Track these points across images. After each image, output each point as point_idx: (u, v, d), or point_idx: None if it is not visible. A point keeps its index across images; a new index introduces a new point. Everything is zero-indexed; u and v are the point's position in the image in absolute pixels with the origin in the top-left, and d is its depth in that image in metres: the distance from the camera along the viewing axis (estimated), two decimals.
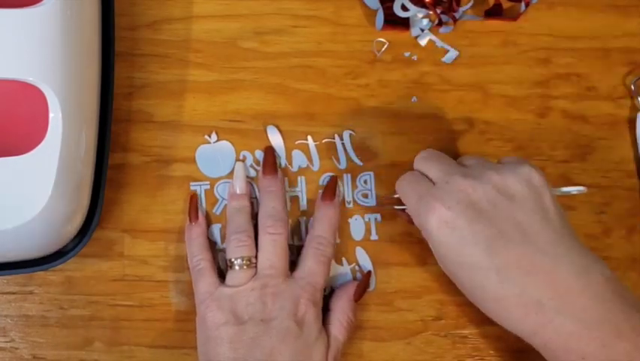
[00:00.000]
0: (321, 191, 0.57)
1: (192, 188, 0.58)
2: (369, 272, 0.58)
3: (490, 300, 0.49)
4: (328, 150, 0.59)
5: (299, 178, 0.59)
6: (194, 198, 0.57)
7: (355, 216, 0.59)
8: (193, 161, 0.58)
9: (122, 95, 0.58)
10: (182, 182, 0.58)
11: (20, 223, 0.48)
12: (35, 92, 0.47)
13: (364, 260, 0.58)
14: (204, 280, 0.54)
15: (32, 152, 0.47)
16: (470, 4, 0.60)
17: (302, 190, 0.59)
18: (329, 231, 0.56)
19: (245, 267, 0.53)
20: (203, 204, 0.58)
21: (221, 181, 0.58)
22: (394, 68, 0.60)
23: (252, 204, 0.57)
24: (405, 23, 0.60)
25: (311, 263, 0.54)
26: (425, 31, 0.60)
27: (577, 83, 0.61)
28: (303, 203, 0.58)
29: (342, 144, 0.59)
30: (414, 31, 0.60)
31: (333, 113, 0.60)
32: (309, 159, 0.59)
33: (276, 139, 0.58)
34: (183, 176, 0.58)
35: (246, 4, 0.60)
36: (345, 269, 0.58)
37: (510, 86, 0.61)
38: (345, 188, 0.59)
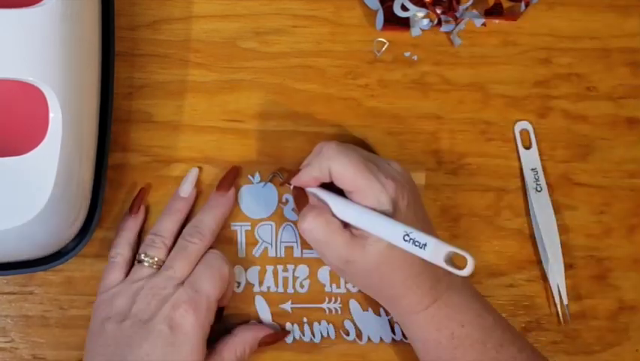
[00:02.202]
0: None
1: (233, 228, 0.58)
2: (287, 331, 0.57)
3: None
4: None
5: None
6: (142, 191, 0.57)
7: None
8: (193, 161, 0.58)
9: (122, 95, 0.58)
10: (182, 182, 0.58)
11: (20, 223, 0.48)
12: (35, 92, 0.47)
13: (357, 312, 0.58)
14: (112, 274, 0.54)
15: (32, 152, 0.47)
16: (470, 3, 0.60)
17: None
18: (205, 223, 0.55)
19: (152, 266, 0.53)
20: (243, 245, 0.58)
21: (262, 223, 0.58)
22: (394, 68, 0.60)
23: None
24: (405, 23, 0.60)
25: (197, 268, 0.53)
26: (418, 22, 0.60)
27: (577, 83, 0.61)
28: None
29: None
30: (414, 31, 0.60)
31: (333, 113, 0.60)
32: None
33: (264, 312, 0.58)
34: (183, 176, 0.58)
35: (246, 4, 0.60)
36: (383, 320, 0.58)
37: (510, 86, 0.61)
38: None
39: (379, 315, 0.58)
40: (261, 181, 0.58)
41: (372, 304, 0.58)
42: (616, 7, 0.62)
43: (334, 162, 0.51)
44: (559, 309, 0.59)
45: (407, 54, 0.60)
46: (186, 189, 0.57)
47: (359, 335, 0.58)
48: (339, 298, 0.58)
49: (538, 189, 0.59)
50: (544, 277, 0.59)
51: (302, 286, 0.58)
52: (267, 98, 0.59)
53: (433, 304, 0.52)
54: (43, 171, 0.48)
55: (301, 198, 0.53)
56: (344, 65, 0.60)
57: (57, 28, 0.48)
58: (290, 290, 0.58)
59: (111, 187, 0.57)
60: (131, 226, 0.56)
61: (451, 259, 0.48)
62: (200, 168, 0.58)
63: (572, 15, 0.62)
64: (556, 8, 0.62)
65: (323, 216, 0.51)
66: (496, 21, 0.61)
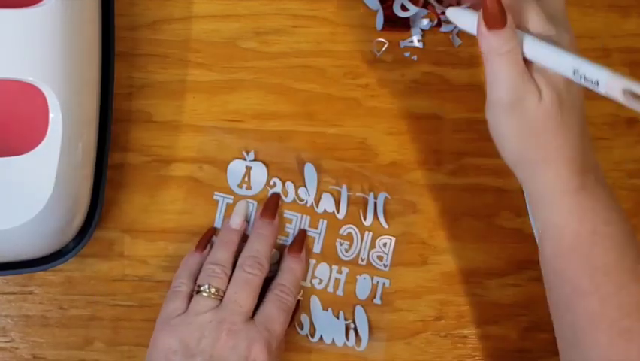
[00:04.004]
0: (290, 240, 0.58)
1: (215, 197, 0.58)
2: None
3: None
4: (357, 203, 0.59)
5: (321, 221, 0.59)
6: (209, 232, 0.57)
7: (364, 275, 0.58)
8: (193, 161, 0.58)
9: (122, 95, 0.58)
10: (182, 182, 0.58)
11: (20, 223, 0.48)
12: (35, 92, 0.47)
13: (362, 321, 0.58)
14: (174, 303, 0.53)
15: (32, 152, 0.47)
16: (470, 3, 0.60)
17: (321, 233, 0.58)
18: (292, 282, 0.55)
19: (212, 296, 0.52)
20: (222, 215, 0.58)
21: (246, 201, 0.58)
22: (394, 68, 0.60)
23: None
24: (405, 23, 0.60)
25: (271, 308, 0.53)
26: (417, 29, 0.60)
27: None
28: (318, 247, 0.58)
29: (375, 203, 0.59)
30: (414, 31, 0.60)
31: (333, 113, 0.60)
32: (337, 206, 0.58)
33: (310, 175, 0.58)
34: (183, 176, 0.58)
35: (246, 4, 0.60)
36: (340, 323, 0.58)
37: None
38: (363, 245, 0.59)
39: (337, 318, 0.58)
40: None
41: (333, 304, 0.58)
42: (616, 7, 0.62)
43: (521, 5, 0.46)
44: None
45: (407, 54, 0.60)
46: (237, 221, 0.57)
47: (313, 332, 0.58)
48: (302, 291, 0.58)
49: None
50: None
51: (270, 271, 0.57)
52: (267, 98, 0.59)
53: (581, 191, 0.48)
54: (43, 171, 0.48)
55: (501, 11, 0.45)
56: (344, 65, 0.60)
57: (57, 28, 0.48)
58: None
59: (111, 187, 0.57)
60: (196, 262, 0.55)
61: (632, 94, 0.42)
62: (239, 201, 0.58)
63: (571, 15, 0.61)
64: None
65: (517, 47, 0.46)
66: None
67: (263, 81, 0.59)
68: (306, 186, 0.58)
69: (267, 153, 0.58)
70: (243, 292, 0.53)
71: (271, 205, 0.57)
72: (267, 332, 0.52)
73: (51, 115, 0.48)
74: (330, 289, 0.58)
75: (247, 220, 0.57)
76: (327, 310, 0.58)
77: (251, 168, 0.58)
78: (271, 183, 0.58)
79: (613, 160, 0.61)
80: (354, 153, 0.59)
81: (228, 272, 0.54)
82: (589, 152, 0.49)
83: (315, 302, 0.58)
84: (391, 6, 0.58)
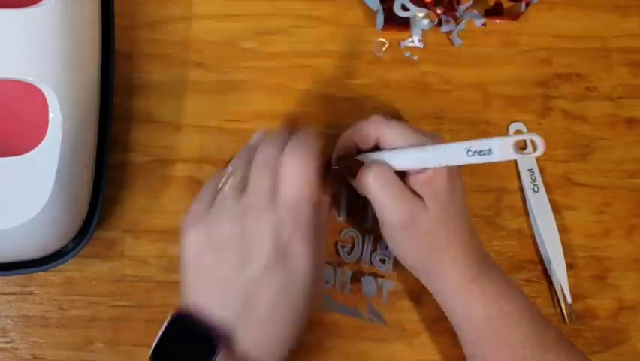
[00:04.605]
0: None
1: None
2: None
3: None
4: (357, 206, 0.58)
5: None
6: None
7: (368, 277, 0.58)
8: (193, 161, 0.58)
9: (122, 95, 0.58)
10: (182, 182, 0.58)
11: (20, 223, 0.48)
12: (35, 92, 0.47)
13: (374, 312, 0.58)
14: (199, 202, 0.49)
15: (32, 152, 0.47)
16: (470, 3, 0.60)
17: None
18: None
19: (233, 188, 0.48)
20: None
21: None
22: (394, 68, 0.60)
23: None
24: (405, 23, 0.60)
25: (290, 169, 0.47)
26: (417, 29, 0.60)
27: (577, 83, 0.61)
28: None
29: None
30: (414, 31, 0.60)
31: (333, 113, 0.60)
32: (337, 209, 0.58)
33: None
34: (184, 176, 0.58)
35: (246, 4, 0.60)
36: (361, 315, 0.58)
37: (510, 86, 0.61)
38: (365, 248, 0.59)
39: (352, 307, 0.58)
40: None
41: (344, 299, 0.58)
42: (616, 7, 0.62)
43: (386, 127, 0.51)
44: (563, 309, 0.59)
45: (407, 54, 0.60)
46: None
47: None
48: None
49: (536, 189, 0.59)
50: (544, 277, 0.59)
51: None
52: (267, 98, 0.59)
53: (479, 278, 0.52)
54: (43, 171, 0.48)
55: (353, 163, 0.52)
56: (344, 65, 0.60)
57: (57, 28, 0.48)
58: None
59: (111, 187, 0.57)
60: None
61: (518, 147, 0.46)
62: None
63: (572, 15, 0.62)
64: (557, 8, 0.62)
65: (385, 171, 0.50)
66: (497, 21, 0.61)
67: (263, 81, 0.59)
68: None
69: None
70: (262, 175, 0.47)
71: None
72: (294, 210, 0.46)
73: (51, 115, 0.47)
74: (337, 288, 0.58)
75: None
76: (340, 304, 0.58)
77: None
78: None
79: (613, 160, 0.61)
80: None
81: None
82: (476, 241, 0.53)
83: (326, 299, 0.58)
84: (391, 6, 0.58)
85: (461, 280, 0.52)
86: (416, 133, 0.51)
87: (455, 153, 0.48)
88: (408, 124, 0.53)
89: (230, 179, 0.48)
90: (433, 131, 0.56)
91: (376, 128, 0.52)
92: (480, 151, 0.47)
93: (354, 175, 0.52)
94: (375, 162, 0.51)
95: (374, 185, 0.50)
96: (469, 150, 0.48)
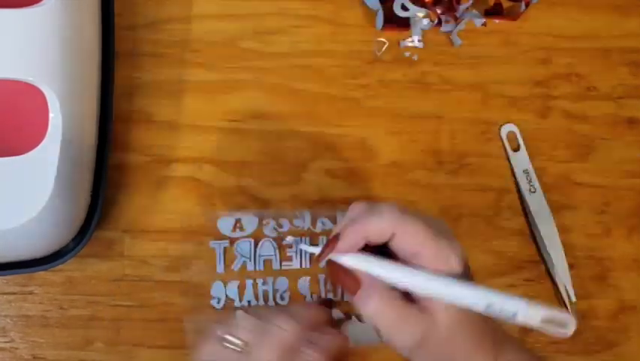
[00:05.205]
0: None
1: (212, 246, 0.57)
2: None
3: None
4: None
5: (321, 238, 0.58)
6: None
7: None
8: (193, 161, 0.58)
9: (122, 95, 0.58)
10: (182, 182, 0.58)
11: (20, 223, 0.48)
12: (35, 92, 0.47)
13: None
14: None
15: (32, 152, 0.47)
16: (470, 3, 0.60)
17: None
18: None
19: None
20: (222, 261, 0.57)
21: (242, 240, 0.57)
22: (394, 68, 0.60)
23: None
24: (405, 23, 0.60)
25: None
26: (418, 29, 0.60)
27: (577, 83, 0.61)
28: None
29: None
30: (414, 31, 0.60)
31: (333, 113, 0.60)
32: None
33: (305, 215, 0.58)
34: (183, 176, 0.58)
35: (246, 4, 0.60)
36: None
37: (510, 86, 0.61)
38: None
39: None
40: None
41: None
42: (616, 7, 0.62)
43: (402, 224, 0.45)
44: (568, 308, 0.58)
45: (407, 54, 0.60)
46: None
47: None
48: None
49: (532, 190, 0.59)
50: (544, 277, 0.59)
51: (282, 298, 0.58)
52: (267, 98, 0.59)
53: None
54: (43, 171, 0.48)
55: (346, 277, 0.46)
56: (344, 65, 0.60)
57: (57, 28, 0.48)
58: (271, 303, 0.57)
59: (111, 187, 0.57)
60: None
61: (549, 320, 0.42)
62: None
63: (572, 15, 0.62)
64: (556, 8, 0.62)
65: (387, 294, 0.45)
66: (496, 21, 0.61)
67: (263, 81, 0.59)
68: (301, 218, 0.58)
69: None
70: (262, 344, 0.46)
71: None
72: None
73: (51, 115, 0.48)
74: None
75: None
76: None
77: (240, 218, 0.58)
78: (264, 222, 0.58)
79: (613, 160, 0.61)
80: (354, 153, 0.59)
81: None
82: (498, 331, 0.48)
83: (336, 315, 0.57)
84: (391, 6, 0.58)
85: None
86: (435, 238, 0.45)
87: (473, 299, 0.44)
88: (423, 218, 0.46)
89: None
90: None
91: (391, 226, 0.45)
92: (503, 310, 0.43)
93: (351, 292, 0.46)
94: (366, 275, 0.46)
95: (375, 313, 0.46)
96: (489, 306, 0.43)
